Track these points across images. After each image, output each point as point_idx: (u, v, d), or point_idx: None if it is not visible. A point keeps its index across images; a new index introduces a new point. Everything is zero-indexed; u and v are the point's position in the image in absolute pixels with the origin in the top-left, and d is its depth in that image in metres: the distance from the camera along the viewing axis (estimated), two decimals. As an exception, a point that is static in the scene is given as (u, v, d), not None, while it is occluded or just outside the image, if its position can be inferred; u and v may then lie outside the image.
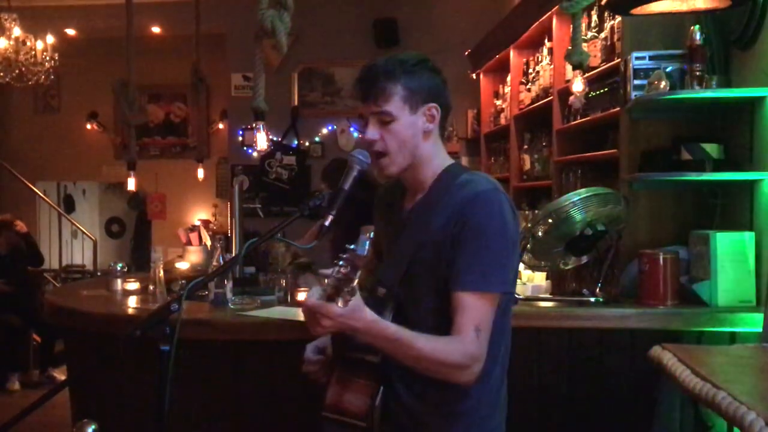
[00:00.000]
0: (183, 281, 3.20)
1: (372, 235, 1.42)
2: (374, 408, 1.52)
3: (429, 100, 1.62)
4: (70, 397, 2.98)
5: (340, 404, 1.54)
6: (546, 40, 4.27)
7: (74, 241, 9.68)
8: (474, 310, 1.52)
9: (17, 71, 6.34)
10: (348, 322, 1.44)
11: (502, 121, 5.22)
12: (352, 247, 1.37)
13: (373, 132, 1.62)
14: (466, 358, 1.51)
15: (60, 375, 5.80)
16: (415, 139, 1.62)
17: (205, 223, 6.33)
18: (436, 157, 1.67)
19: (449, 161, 1.70)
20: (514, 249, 1.60)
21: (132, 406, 2.55)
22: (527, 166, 4.61)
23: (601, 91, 3.38)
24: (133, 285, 3.13)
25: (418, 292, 1.60)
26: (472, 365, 1.51)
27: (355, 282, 1.38)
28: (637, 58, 2.84)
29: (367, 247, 1.38)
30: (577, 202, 2.60)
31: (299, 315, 2.48)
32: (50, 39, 6.52)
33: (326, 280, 1.43)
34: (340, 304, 1.40)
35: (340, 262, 1.38)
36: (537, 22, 4.17)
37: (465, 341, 1.50)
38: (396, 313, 1.60)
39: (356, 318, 1.44)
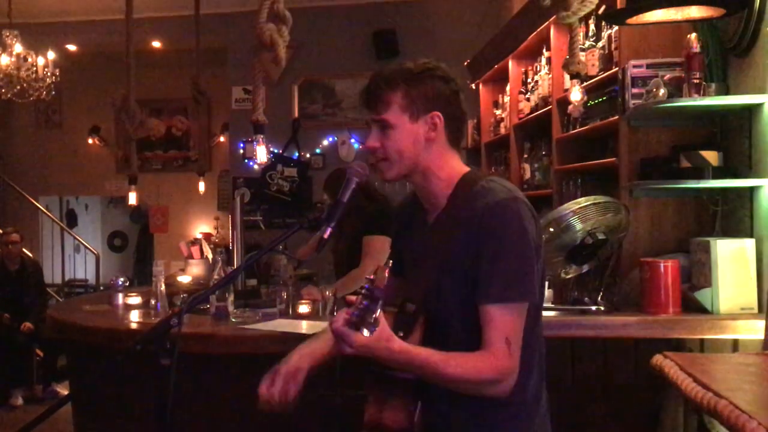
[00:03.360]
0: (185, 295, 3.20)
1: (391, 264, 1.41)
2: (413, 424, 1.51)
3: (432, 109, 1.61)
4: (72, 411, 2.98)
5: (379, 422, 1.53)
6: (544, 50, 4.29)
7: (77, 256, 9.70)
8: (502, 322, 1.50)
9: (19, 87, 6.37)
10: (372, 351, 1.44)
11: (502, 130, 5.23)
12: (371, 278, 1.37)
13: (373, 139, 1.63)
14: (498, 373, 1.49)
15: (63, 390, 5.80)
16: (415, 147, 1.61)
17: (207, 236, 6.34)
18: (446, 167, 1.64)
19: (463, 169, 1.66)
20: (537, 255, 1.57)
21: (134, 421, 2.54)
22: (527, 175, 4.61)
23: (600, 99, 3.39)
24: (134, 299, 3.13)
25: (447, 306, 1.59)
26: (505, 379, 1.50)
27: (377, 313, 1.38)
28: (635, 67, 2.85)
29: (386, 277, 1.38)
30: (578, 211, 2.60)
31: (301, 328, 2.49)
32: (51, 55, 6.56)
33: (351, 311, 1.42)
34: (365, 333, 1.40)
35: (362, 292, 1.38)
36: (535, 32, 4.18)
37: (496, 355, 1.49)
38: (428, 329, 1.58)
39: (380, 348, 1.43)
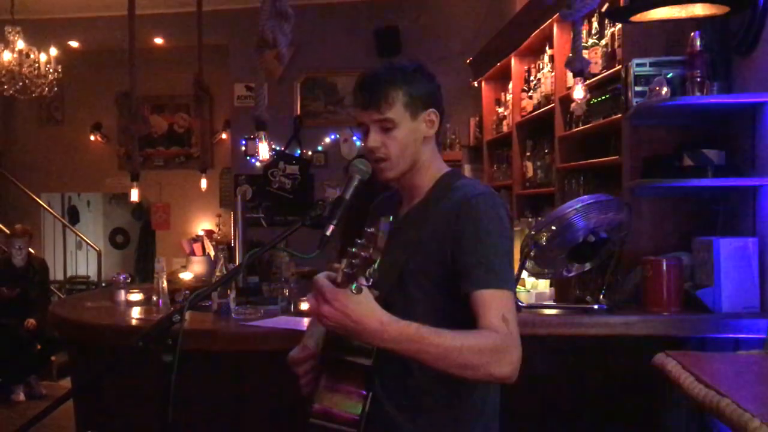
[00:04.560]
0: (187, 291, 3.20)
1: (392, 219, 1.31)
2: (364, 414, 1.47)
3: (429, 106, 1.63)
4: (74, 408, 2.98)
5: (329, 410, 1.48)
6: (547, 48, 4.28)
7: (79, 253, 9.71)
8: (496, 302, 1.47)
9: (21, 84, 6.38)
10: (357, 316, 1.31)
11: (504, 128, 5.23)
12: (370, 230, 1.27)
13: (375, 140, 1.61)
14: (500, 342, 1.41)
15: (52, 390, 5.84)
16: (415, 144, 1.63)
17: (209, 233, 6.33)
18: (434, 163, 1.69)
19: (446, 168, 1.71)
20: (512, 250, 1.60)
21: (136, 418, 2.55)
22: (530, 173, 4.61)
23: (603, 97, 3.38)
24: (136, 296, 3.14)
25: (410, 296, 1.58)
26: (507, 352, 1.41)
27: (376, 265, 1.27)
28: (638, 65, 2.84)
29: (387, 230, 1.27)
30: (580, 209, 2.60)
31: (303, 325, 2.48)
32: (53, 51, 6.56)
33: (342, 263, 1.30)
34: (353, 291, 1.28)
35: (359, 242, 1.27)
36: (538, 30, 4.18)
37: (493, 329, 1.42)
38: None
39: (368, 313, 1.32)
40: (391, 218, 1.32)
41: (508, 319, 1.45)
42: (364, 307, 1.32)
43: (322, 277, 1.36)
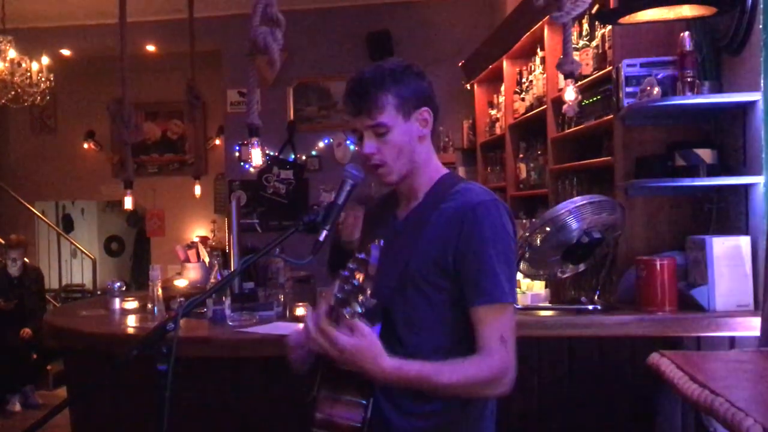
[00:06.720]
0: (182, 299, 3.20)
1: (382, 243, 1.35)
2: (365, 421, 1.48)
3: (420, 105, 1.61)
4: (70, 417, 2.97)
5: (330, 420, 1.49)
6: (538, 50, 4.30)
7: (73, 261, 9.67)
8: (495, 321, 1.51)
9: (13, 93, 6.35)
10: (360, 361, 1.40)
11: (498, 130, 5.24)
12: (361, 256, 1.31)
13: (370, 145, 1.59)
14: (496, 371, 1.49)
15: (47, 399, 5.83)
16: (411, 145, 1.61)
17: (204, 239, 6.33)
18: (431, 163, 1.67)
19: (443, 170, 1.69)
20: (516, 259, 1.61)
21: (132, 426, 2.54)
22: (523, 174, 4.62)
23: (594, 99, 3.39)
24: (131, 304, 3.13)
25: (410, 301, 1.58)
26: (504, 377, 1.50)
27: (368, 292, 1.32)
28: (629, 66, 2.86)
29: (378, 256, 1.32)
30: (573, 210, 2.61)
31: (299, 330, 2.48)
32: (45, 60, 6.54)
33: (334, 290, 1.34)
34: (347, 316, 1.33)
35: (351, 266, 1.31)
36: (529, 32, 4.19)
37: (492, 355, 1.49)
38: (384, 324, 1.56)
39: (368, 358, 1.40)
40: (381, 242, 1.36)
41: (507, 339, 1.50)
42: (371, 354, 1.41)
43: (328, 327, 1.38)
